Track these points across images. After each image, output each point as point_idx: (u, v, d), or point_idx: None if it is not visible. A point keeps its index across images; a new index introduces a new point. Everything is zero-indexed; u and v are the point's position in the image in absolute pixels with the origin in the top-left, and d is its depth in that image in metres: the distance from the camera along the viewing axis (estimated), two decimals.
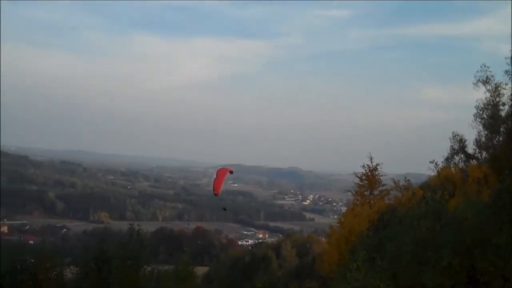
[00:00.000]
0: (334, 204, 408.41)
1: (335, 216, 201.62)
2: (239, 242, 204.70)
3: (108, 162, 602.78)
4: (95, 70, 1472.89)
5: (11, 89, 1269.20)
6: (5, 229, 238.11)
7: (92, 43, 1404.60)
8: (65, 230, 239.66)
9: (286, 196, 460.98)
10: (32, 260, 36.57)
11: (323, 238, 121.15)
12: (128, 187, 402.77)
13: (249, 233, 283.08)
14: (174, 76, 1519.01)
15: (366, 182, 56.20)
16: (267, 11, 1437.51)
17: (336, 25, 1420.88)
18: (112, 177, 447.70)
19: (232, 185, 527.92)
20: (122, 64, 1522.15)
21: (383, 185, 56.79)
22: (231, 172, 37.60)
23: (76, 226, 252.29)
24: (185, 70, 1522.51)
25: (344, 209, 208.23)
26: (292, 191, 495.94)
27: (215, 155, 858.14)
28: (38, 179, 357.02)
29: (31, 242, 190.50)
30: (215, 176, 36.57)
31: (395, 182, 56.79)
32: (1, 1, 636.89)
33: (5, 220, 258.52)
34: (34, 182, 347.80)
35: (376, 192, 56.39)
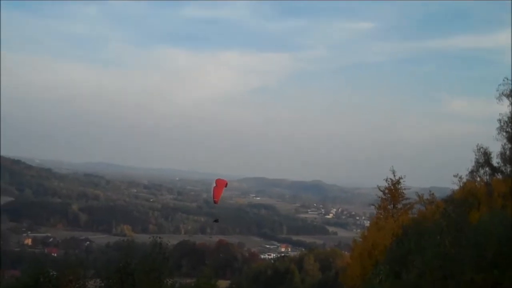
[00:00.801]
0: (357, 218, 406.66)
1: (358, 230, 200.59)
2: (262, 256, 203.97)
3: (131, 175, 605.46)
4: (120, 84, 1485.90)
5: (36, 102, 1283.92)
6: (29, 241, 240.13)
7: (118, 56, 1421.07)
8: (88, 242, 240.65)
9: (309, 210, 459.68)
10: (55, 273, 36.66)
11: (346, 252, 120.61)
12: (151, 200, 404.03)
13: (271, 246, 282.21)
14: (199, 89, 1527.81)
15: (389, 195, 55.78)
16: (292, 24, 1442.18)
17: (360, 37, 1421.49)
18: (135, 190, 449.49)
19: (255, 198, 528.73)
20: (148, 78, 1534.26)
21: (407, 198, 56.32)
22: (225, 185, 37.92)
23: (99, 239, 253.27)
24: (210, 83, 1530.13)
25: (367, 223, 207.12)
26: (315, 204, 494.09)
27: (238, 168, 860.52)
28: (62, 192, 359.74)
29: (55, 254, 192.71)
30: (214, 185, 36.72)
31: (419, 196, 56.27)
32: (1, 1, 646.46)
33: (29, 232, 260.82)
34: (58, 194, 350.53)
35: (399, 206, 55.94)
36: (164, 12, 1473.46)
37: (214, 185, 37.17)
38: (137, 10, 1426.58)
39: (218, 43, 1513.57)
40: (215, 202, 36.87)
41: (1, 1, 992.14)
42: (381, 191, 56.22)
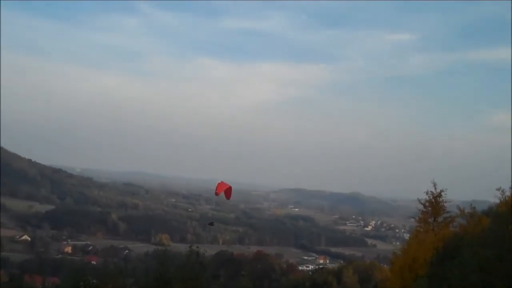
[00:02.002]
0: (397, 230, 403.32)
1: (398, 243, 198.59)
2: (300, 267, 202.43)
3: (170, 185, 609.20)
4: (160, 95, 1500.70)
5: (79, 113, 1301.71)
6: (69, 249, 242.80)
7: (157, 67, 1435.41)
8: (127, 251, 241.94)
9: (347, 222, 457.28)
10: (95, 281, 36.96)
11: (385, 265, 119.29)
12: (190, 209, 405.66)
13: (309, 258, 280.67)
14: (237, 100, 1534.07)
15: (430, 209, 55.08)
16: (331, 35, 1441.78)
17: (400, 49, 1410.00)
18: (174, 200, 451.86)
19: (293, 209, 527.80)
20: (187, 89, 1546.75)
21: (447, 212, 55.54)
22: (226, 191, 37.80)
23: (138, 248, 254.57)
24: (248, 94, 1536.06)
25: (407, 236, 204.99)
26: (353, 216, 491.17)
27: (276, 179, 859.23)
28: (101, 201, 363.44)
29: (94, 262, 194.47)
30: (220, 182, 36.49)
31: (460, 209, 55.49)
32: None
33: (70, 240, 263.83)
34: (98, 203, 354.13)
35: (440, 219, 55.19)
36: (203, 24, 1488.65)
37: (220, 182, 36.89)
38: (177, 22, 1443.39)
39: (256, 55, 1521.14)
40: (216, 194, 36.64)
41: (46, 14, 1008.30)
42: (421, 204, 55.56)
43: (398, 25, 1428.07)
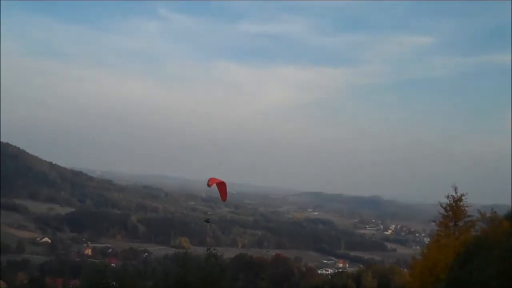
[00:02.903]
0: (417, 234, 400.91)
1: (418, 247, 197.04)
2: (319, 271, 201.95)
3: (189, 188, 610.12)
4: (179, 98, 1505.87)
5: (98, 115, 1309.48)
6: (88, 251, 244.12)
7: (177, 71, 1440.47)
8: (146, 254, 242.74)
9: (367, 225, 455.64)
10: (114, 283, 37.07)
11: (405, 270, 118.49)
12: (209, 212, 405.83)
13: (329, 262, 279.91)
14: (256, 103, 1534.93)
15: (450, 213, 54.64)
16: (350, 39, 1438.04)
17: (420, 52, 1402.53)
18: (193, 203, 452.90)
19: (312, 213, 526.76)
20: (206, 92, 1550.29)
21: (469, 216, 55.05)
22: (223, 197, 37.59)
23: (157, 250, 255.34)
24: (266, 97, 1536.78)
25: (427, 240, 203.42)
26: (373, 220, 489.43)
27: (295, 183, 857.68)
28: (121, 203, 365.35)
29: (113, 265, 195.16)
30: (212, 177, 36.16)
31: (481, 214, 55.00)
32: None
33: (90, 242, 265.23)
34: (117, 206, 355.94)
35: (461, 223, 54.73)
36: (222, 28, 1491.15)
37: (212, 177, 36.63)
38: (196, 25, 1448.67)
39: (275, 58, 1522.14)
40: (208, 185, 36.34)
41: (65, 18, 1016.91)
42: (442, 207, 55.14)
43: (418, 28, 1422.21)
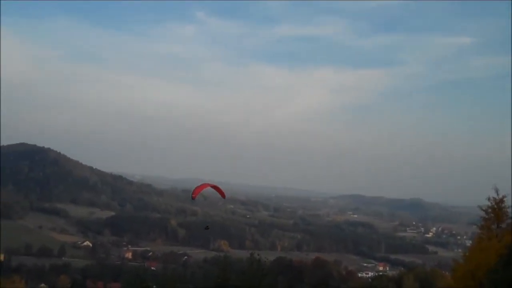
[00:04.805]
0: (459, 237, 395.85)
1: (460, 250, 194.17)
2: (359, 274, 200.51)
3: (228, 191, 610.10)
4: (216, 102, 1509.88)
5: (137, 120, 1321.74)
6: (129, 254, 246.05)
7: (214, 75, 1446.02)
8: (186, 257, 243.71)
9: (407, 228, 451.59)
10: (155, 286, 37.18)
11: (447, 273, 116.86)
12: (248, 216, 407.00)
13: (369, 265, 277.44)
14: (293, 106, 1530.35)
15: (492, 215, 53.64)
16: (388, 41, 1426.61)
17: (459, 52, 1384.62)
18: (232, 206, 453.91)
19: (352, 215, 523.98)
20: (243, 95, 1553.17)
21: (511, 218, 53.99)
22: (222, 194, 37.35)
23: (197, 254, 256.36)
24: (304, 100, 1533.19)
25: (469, 242, 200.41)
26: (414, 223, 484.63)
27: (335, 186, 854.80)
28: (161, 207, 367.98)
29: (153, 268, 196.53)
30: (199, 184, 35.99)
31: None
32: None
33: (130, 246, 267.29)
34: (157, 210, 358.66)
35: (503, 225, 53.70)
36: (258, 31, 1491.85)
37: (199, 184, 36.53)
38: (232, 29, 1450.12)
39: (312, 61, 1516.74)
40: (192, 198, 36.30)
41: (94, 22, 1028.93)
42: (483, 210, 54.16)
43: (457, 28, 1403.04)
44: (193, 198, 37.02)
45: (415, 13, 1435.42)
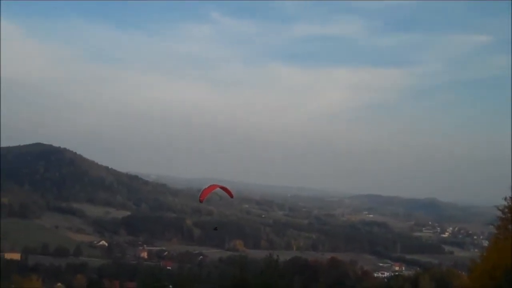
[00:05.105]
0: (475, 237, 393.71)
1: (476, 250, 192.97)
2: (375, 274, 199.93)
3: (243, 191, 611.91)
4: (233, 102, 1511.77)
5: (150, 119, 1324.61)
6: (144, 254, 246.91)
7: (231, 74, 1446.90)
8: (201, 257, 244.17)
9: (423, 228, 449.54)
10: (171, 286, 37.21)
11: (463, 273, 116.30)
12: (263, 216, 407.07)
13: (385, 265, 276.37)
14: (310, 106, 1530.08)
15: (509, 215, 53.20)
16: (406, 39, 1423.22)
17: (478, 51, 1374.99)
18: (247, 206, 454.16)
19: (368, 215, 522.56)
20: (260, 95, 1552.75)
21: None
22: (229, 194, 37.48)
23: (212, 253, 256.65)
24: (321, 100, 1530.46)
25: (485, 242, 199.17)
26: (430, 222, 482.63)
27: (350, 186, 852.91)
28: (176, 207, 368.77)
29: (169, 267, 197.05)
30: (206, 187, 35.90)
31: None
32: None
33: (145, 245, 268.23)
34: (172, 209, 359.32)
35: None
36: (275, 30, 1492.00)
37: (206, 187, 36.52)
38: (248, 29, 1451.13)
39: (329, 60, 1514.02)
40: (200, 201, 36.35)
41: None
42: (499, 210, 53.71)
43: (476, 26, 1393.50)
44: (200, 201, 37.18)
45: (433, 11, 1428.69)
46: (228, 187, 38.52)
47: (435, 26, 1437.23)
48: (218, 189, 36.54)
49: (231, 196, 39.21)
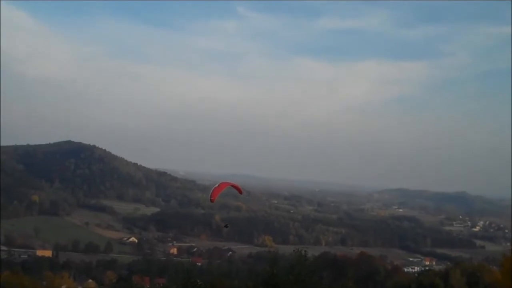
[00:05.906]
0: (506, 231, 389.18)
1: (508, 244, 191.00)
2: (405, 269, 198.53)
3: (271, 187, 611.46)
4: (259, 96, 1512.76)
5: (178, 116, 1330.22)
6: (174, 250, 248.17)
7: (256, 69, 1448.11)
8: (230, 253, 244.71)
9: (454, 222, 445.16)
10: (201, 282, 37.07)
11: (495, 267, 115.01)
12: (291, 211, 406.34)
13: (415, 259, 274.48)
14: (336, 99, 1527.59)
15: None
16: (432, 31, 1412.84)
17: (506, 42, 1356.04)
18: (276, 201, 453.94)
19: (397, 210, 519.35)
20: (285, 89, 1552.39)
21: None
22: (239, 191, 37.35)
23: (241, 249, 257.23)
24: (347, 93, 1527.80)
25: None
26: (460, 216, 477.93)
27: (379, 180, 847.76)
28: (205, 203, 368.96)
29: (199, 264, 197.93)
30: (216, 186, 35.66)
31: None
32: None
33: (175, 242, 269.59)
34: (201, 206, 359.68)
35: None
36: (300, 24, 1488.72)
37: (216, 186, 36.32)
38: (274, 23, 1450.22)
39: (355, 53, 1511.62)
40: (211, 201, 36.14)
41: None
42: None
43: (502, 17, 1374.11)
44: (212, 201, 37.10)
45: (459, 2, 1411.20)
46: (238, 184, 38.56)
47: (461, 17, 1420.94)
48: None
49: (240, 192, 39.29)
